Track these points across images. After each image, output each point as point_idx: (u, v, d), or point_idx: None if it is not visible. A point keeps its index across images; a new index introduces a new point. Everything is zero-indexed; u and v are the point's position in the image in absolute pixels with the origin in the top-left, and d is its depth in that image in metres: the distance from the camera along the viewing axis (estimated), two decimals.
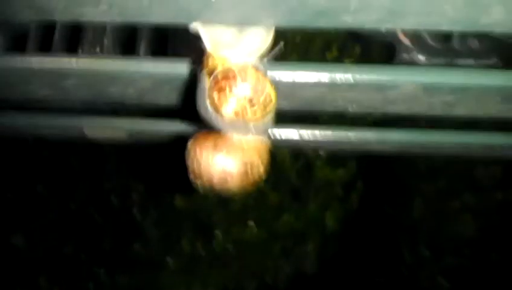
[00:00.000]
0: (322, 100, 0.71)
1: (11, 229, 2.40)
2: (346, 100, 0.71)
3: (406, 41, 1.12)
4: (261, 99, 0.54)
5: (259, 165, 0.58)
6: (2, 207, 2.40)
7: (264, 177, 0.59)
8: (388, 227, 2.29)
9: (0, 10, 0.55)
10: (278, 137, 0.88)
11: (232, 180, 0.56)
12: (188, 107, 0.73)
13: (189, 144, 0.58)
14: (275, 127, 0.87)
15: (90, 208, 2.45)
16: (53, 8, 0.53)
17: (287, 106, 0.73)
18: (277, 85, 0.60)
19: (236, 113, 0.54)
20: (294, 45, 2.07)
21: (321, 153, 2.26)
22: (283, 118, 0.91)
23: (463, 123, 0.89)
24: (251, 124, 0.56)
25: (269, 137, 0.62)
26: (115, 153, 2.45)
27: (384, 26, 0.52)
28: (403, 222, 2.29)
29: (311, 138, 0.87)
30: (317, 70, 0.66)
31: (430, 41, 1.10)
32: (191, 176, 0.59)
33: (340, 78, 0.66)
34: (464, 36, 1.07)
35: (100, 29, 0.96)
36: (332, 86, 0.67)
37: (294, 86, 0.68)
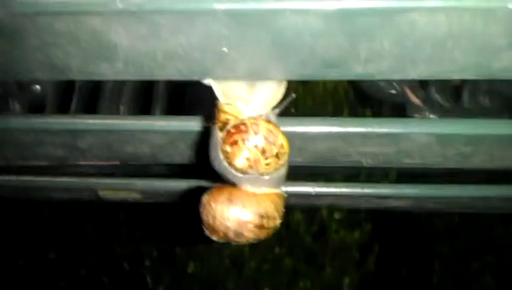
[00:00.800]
0: (336, 154, 0.70)
1: None
2: (360, 154, 0.70)
3: (416, 101, 1.13)
4: (274, 150, 0.54)
5: (275, 218, 0.57)
6: (14, 274, 2.38)
7: (278, 227, 0.59)
8: None
9: (15, 70, 0.56)
10: (293, 194, 0.87)
11: (248, 233, 0.56)
12: (202, 163, 0.74)
13: (204, 198, 0.58)
14: (290, 185, 0.87)
15: (102, 274, 2.41)
16: (68, 67, 0.55)
17: (300, 161, 0.73)
18: (290, 140, 0.60)
19: (250, 166, 0.54)
20: (305, 109, 2.10)
21: (336, 216, 2.24)
22: (298, 176, 0.91)
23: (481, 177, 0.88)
24: (265, 176, 0.56)
25: (284, 191, 0.62)
26: (128, 219, 2.44)
27: (395, 75, 0.52)
28: (421, 285, 2.22)
29: (327, 194, 0.86)
30: (329, 125, 0.66)
31: (440, 100, 1.11)
32: (206, 231, 0.58)
33: (352, 132, 0.66)
34: (475, 94, 1.08)
35: (117, 91, 0.99)
36: (345, 139, 0.67)
37: (307, 140, 0.68)
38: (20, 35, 0.51)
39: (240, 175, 0.56)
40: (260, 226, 0.56)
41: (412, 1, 0.44)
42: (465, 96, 1.10)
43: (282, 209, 0.58)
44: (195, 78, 0.55)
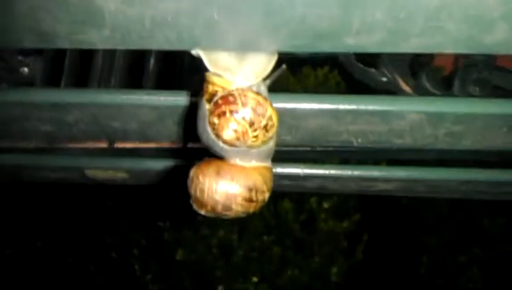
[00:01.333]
0: (326, 133, 0.70)
1: (9, 285, 2.35)
2: (350, 133, 0.70)
3: (407, 89, 1.13)
4: (263, 122, 0.53)
5: (264, 191, 0.56)
6: (2, 262, 2.36)
7: (267, 201, 0.58)
8: (394, 281, 2.22)
9: (3, 36, 0.55)
10: (282, 175, 0.86)
11: (237, 206, 0.55)
12: (190, 139, 0.73)
13: (192, 172, 0.57)
14: (279, 166, 0.86)
15: (90, 262, 2.40)
16: (56, 34, 0.53)
17: (290, 140, 0.73)
18: (281, 117, 0.60)
19: (238, 138, 0.53)
20: None
21: (325, 205, 2.24)
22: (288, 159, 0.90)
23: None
24: (253, 150, 0.55)
25: (272, 168, 0.61)
26: (117, 207, 2.43)
27: (387, 49, 0.52)
28: (409, 275, 2.23)
29: (316, 176, 0.86)
30: (320, 101, 0.65)
31: (431, 88, 1.11)
32: (194, 205, 0.57)
33: (344, 109, 0.65)
34: (464, 83, 1.07)
35: (109, 65, 0.98)
36: (336, 116, 0.66)
37: (298, 117, 0.67)
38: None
39: (228, 148, 0.55)
40: (249, 199, 0.55)
41: None
42: (455, 85, 1.10)
43: (270, 182, 0.58)
44: (184, 47, 0.54)
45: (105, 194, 2.35)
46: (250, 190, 0.55)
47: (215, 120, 0.53)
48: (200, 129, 0.56)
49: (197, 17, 0.50)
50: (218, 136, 0.54)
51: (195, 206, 0.57)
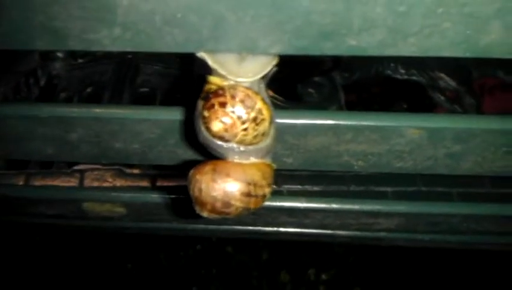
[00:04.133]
0: (327, 154, 0.70)
1: None
2: (350, 154, 0.70)
3: None
4: (252, 115, 0.54)
5: (263, 186, 0.56)
6: None
7: (268, 197, 0.57)
8: None
9: (16, 36, 0.57)
10: (282, 209, 0.86)
11: (236, 202, 0.54)
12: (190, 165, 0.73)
13: (190, 173, 0.57)
14: (279, 200, 0.85)
15: None
16: (68, 33, 0.56)
17: (291, 162, 0.73)
18: (281, 135, 0.60)
19: (226, 129, 0.53)
20: None
21: (324, 277, 2.18)
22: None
23: None
24: (250, 147, 0.55)
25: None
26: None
27: (386, 51, 0.53)
28: None
29: (316, 209, 0.85)
30: (321, 117, 0.66)
31: None
32: (196, 206, 0.57)
33: (344, 124, 0.66)
34: None
35: None
36: (337, 134, 0.67)
37: (298, 135, 0.68)
38: None
39: (223, 145, 0.55)
40: (247, 194, 0.55)
41: None
42: None
43: (270, 177, 0.57)
44: (190, 49, 0.56)
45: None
46: (248, 184, 0.55)
47: (206, 113, 0.54)
48: (196, 128, 0.57)
49: (206, 14, 0.52)
50: (208, 129, 0.54)
51: (197, 209, 0.57)
